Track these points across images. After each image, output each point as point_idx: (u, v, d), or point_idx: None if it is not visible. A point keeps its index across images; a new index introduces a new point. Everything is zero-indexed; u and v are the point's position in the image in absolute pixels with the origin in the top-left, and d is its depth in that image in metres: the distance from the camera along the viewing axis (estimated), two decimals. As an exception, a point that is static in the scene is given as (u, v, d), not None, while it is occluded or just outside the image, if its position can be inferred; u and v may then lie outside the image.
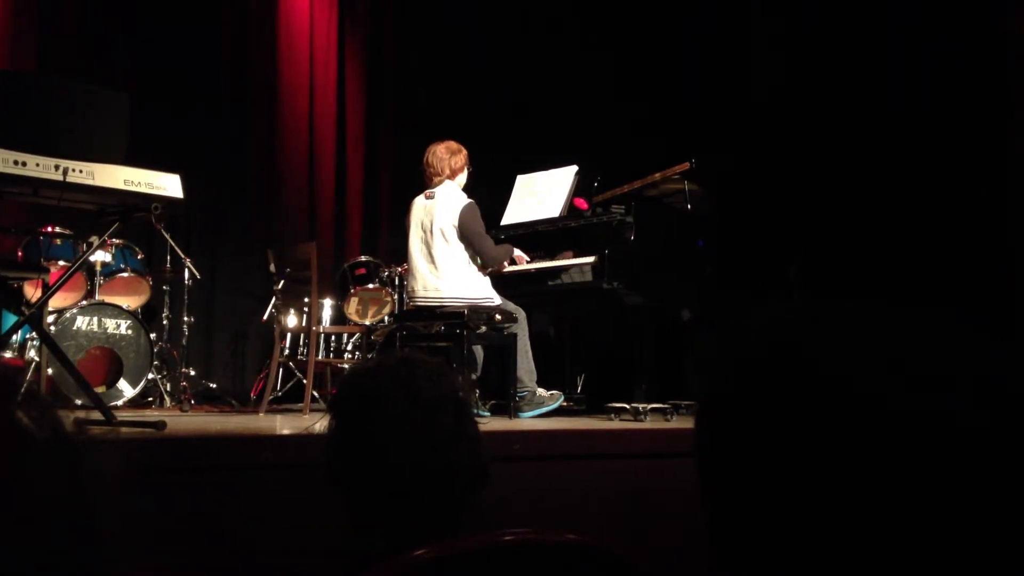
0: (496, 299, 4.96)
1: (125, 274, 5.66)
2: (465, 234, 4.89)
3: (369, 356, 5.79)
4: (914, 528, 0.59)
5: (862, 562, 0.60)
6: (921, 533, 0.59)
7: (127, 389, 5.36)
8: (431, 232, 4.93)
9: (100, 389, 5.10)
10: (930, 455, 0.59)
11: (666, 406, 4.67)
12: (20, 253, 5.32)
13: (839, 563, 0.61)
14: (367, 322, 6.06)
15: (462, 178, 5.07)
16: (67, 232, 5.37)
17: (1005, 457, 0.60)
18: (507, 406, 4.81)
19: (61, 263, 5.22)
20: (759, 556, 0.64)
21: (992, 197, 4.99)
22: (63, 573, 0.50)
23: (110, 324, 5.35)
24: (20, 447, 0.50)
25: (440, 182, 5.01)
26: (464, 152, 5.07)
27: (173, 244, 5.82)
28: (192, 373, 6.06)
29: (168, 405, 5.63)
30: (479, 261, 4.97)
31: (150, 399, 5.71)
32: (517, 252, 5.14)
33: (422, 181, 5.15)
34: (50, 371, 4.78)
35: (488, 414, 4.96)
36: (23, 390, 0.54)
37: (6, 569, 0.47)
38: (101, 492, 0.54)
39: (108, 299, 5.48)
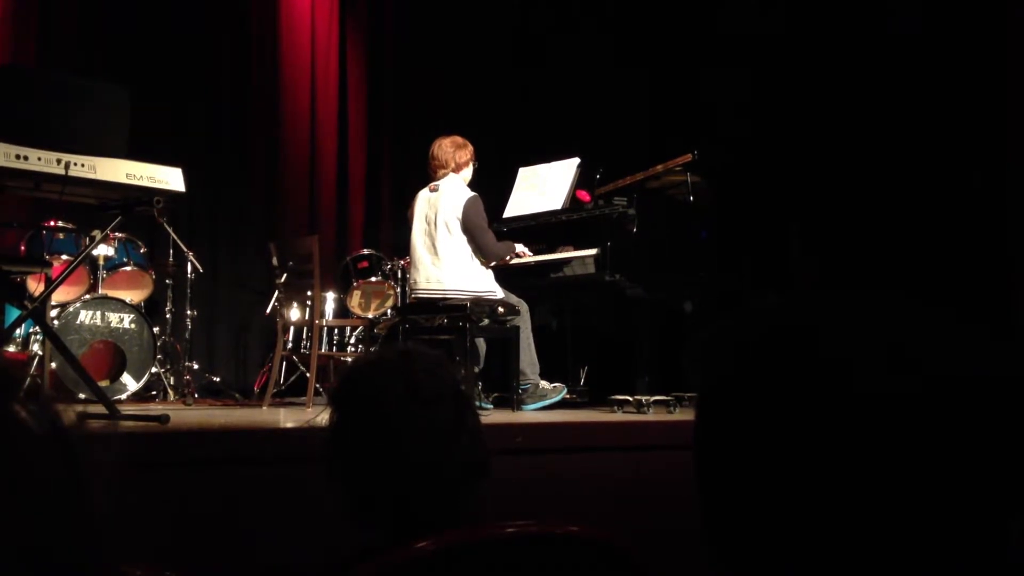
0: (499, 292, 4.96)
1: (128, 268, 5.67)
2: (468, 227, 4.89)
3: (372, 349, 5.79)
4: (915, 524, 0.59)
5: (860, 558, 0.60)
6: (922, 529, 0.59)
7: (130, 383, 5.37)
8: (435, 224, 4.93)
9: (103, 383, 5.10)
10: (933, 448, 0.59)
11: (669, 398, 4.67)
12: (23, 247, 5.32)
13: (836, 559, 0.61)
14: (370, 315, 6.07)
15: (467, 173, 5.06)
16: (69, 226, 5.38)
17: (1006, 446, 0.60)
18: (510, 399, 4.81)
19: (64, 257, 5.22)
20: (756, 553, 0.64)
21: (987, 186, 4.98)
22: (61, 567, 0.50)
23: (113, 318, 5.36)
24: (17, 441, 0.50)
25: (444, 175, 5.01)
26: (470, 148, 5.07)
27: (175, 238, 5.82)
28: (195, 367, 6.06)
29: (172, 399, 5.64)
30: (480, 255, 4.97)
31: (153, 393, 5.71)
32: (520, 248, 5.13)
33: (424, 174, 5.15)
34: (53, 365, 4.79)
35: (491, 407, 4.96)
36: (26, 385, 0.54)
37: (2, 564, 0.47)
38: (100, 486, 0.54)
39: (111, 293, 5.49)
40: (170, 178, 3.65)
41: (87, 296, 5.37)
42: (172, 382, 5.77)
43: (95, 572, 0.52)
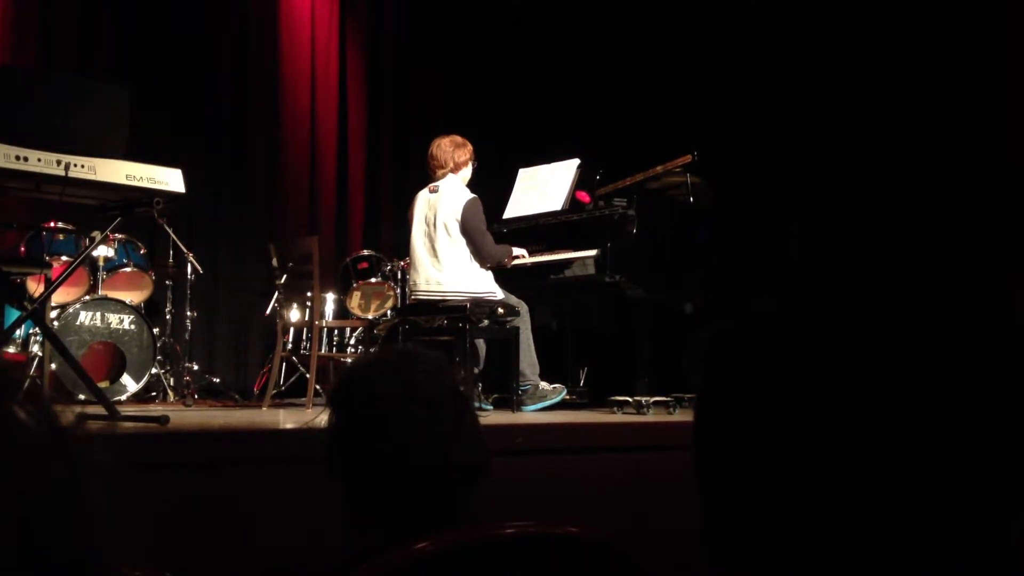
0: (498, 293, 4.95)
1: (128, 269, 5.67)
2: (467, 229, 4.89)
3: (371, 350, 5.79)
4: (915, 524, 0.59)
5: (860, 558, 0.60)
6: (922, 529, 0.59)
7: (130, 384, 5.36)
8: (434, 226, 4.92)
9: (103, 384, 5.10)
10: (934, 448, 0.59)
11: (669, 399, 4.67)
12: (23, 248, 5.32)
13: (836, 559, 0.61)
14: (369, 316, 6.07)
15: (466, 172, 5.06)
16: (69, 227, 5.38)
17: (1006, 446, 0.60)
18: (510, 400, 4.81)
19: (64, 258, 5.22)
20: (756, 553, 0.64)
21: (987, 186, 4.98)
22: (61, 568, 0.50)
23: (113, 319, 5.36)
24: (17, 442, 0.50)
25: (444, 175, 5.01)
26: (469, 147, 5.07)
27: (175, 239, 5.82)
28: (195, 367, 6.06)
29: (171, 400, 5.63)
30: (477, 258, 4.96)
31: (153, 394, 5.71)
32: (517, 251, 5.12)
33: (424, 175, 5.15)
34: (53, 366, 4.79)
35: (491, 407, 4.96)
36: (26, 386, 0.54)
37: (2, 564, 0.47)
38: (100, 487, 0.54)
39: (111, 294, 5.49)
40: (170, 179, 3.65)
41: (87, 297, 5.37)
42: (172, 383, 5.77)
43: (95, 573, 0.52)
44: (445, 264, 4.90)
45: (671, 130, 6.25)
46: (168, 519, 2.59)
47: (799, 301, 0.68)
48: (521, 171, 5.65)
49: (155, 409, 4.87)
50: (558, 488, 3.26)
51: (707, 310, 5.08)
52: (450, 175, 5.00)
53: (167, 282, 6.08)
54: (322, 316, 5.93)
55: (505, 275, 5.11)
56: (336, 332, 6.43)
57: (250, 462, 2.93)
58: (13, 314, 4.77)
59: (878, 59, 5.48)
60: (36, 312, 3.67)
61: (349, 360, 5.87)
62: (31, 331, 5.15)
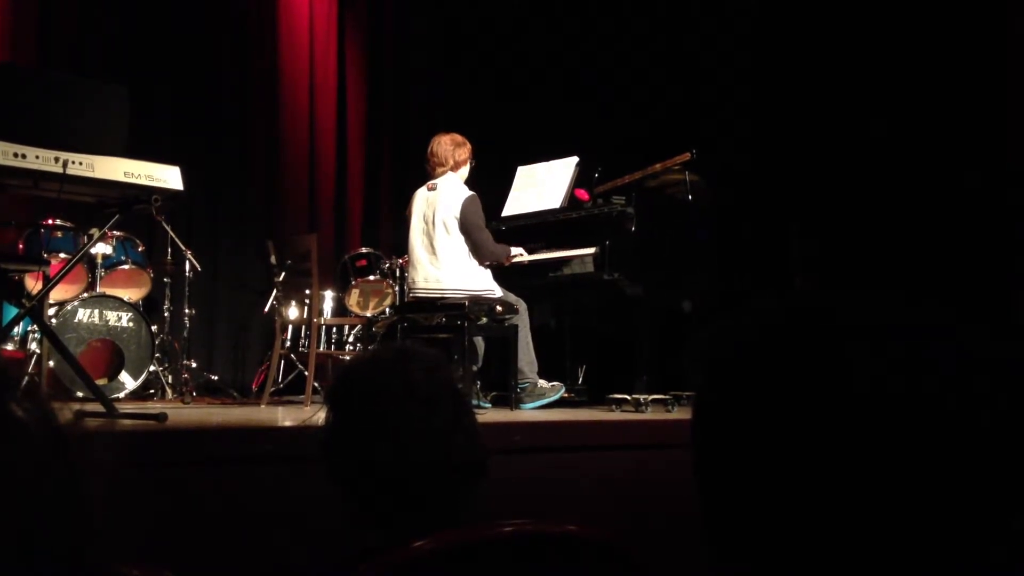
0: (497, 291, 4.96)
1: (126, 266, 5.66)
2: (465, 226, 4.89)
3: (370, 348, 5.78)
4: (915, 523, 0.59)
5: (860, 557, 0.60)
6: (922, 529, 0.59)
7: (128, 381, 5.36)
8: (433, 223, 4.93)
9: (101, 381, 5.10)
10: (934, 448, 0.59)
11: (667, 397, 4.68)
12: (21, 246, 5.31)
13: (836, 558, 0.60)
14: (368, 314, 6.06)
15: (465, 171, 5.07)
16: (68, 225, 5.37)
17: (1006, 446, 0.59)
18: (508, 397, 4.81)
19: (62, 256, 5.21)
20: (756, 550, 0.64)
21: (986, 186, 4.98)
22: (59, 566, 0.50)
23: (111, 316, 5.35)
24: (15, 440, 0.50)
25: (443, 173, 5.01)
26: (469, 146, 5.07)
27: (174, 236, 5.81)
28: (193, 365, 6.06)
29: (170, 397, 5.63)
30: (476, 255, 4.96)
31: (152, 391, 5.70)
32: (515, 250, 5.12)
33: (423, 172, 5.15)
34: (51, 364, 4.78)
35: (489, 405, 4.96)
36: (24, 383, 0.54)
37: (1, 562, 0.47)
38: (98, 485, 0.54)
39: (109, 291, 5.48)
40: (168, 176, 3.65)
41: (85, 294, 5.36)
42: (170, 380, 5.76)
43: (94, 571, 0.52)
44: (443, 261, 4.90)
45: (671, 129, 6.25)
46: (166, 517, 2.59)
47: (799, 301, 0.68)
48: (519, 169, 5.64)
49: (153, 407, 4.86)
50: (557, 487, 3.26)
51: (707, 310, 5.09)
52: (449, 173, 5.00)
53: (165, 280, 6.08)
54: (321, 314, 5.93)
55: (504, 273, 5.10)
56: (335, 330, 6.43)
57: (248, 460, 2.93)
58: (11, 311, 4.77)
59: (878, 59, 5.48)
60: (34, 309, 3.67)
61: (347, 358, 5.86)
62: (29, 328, 5.14)
